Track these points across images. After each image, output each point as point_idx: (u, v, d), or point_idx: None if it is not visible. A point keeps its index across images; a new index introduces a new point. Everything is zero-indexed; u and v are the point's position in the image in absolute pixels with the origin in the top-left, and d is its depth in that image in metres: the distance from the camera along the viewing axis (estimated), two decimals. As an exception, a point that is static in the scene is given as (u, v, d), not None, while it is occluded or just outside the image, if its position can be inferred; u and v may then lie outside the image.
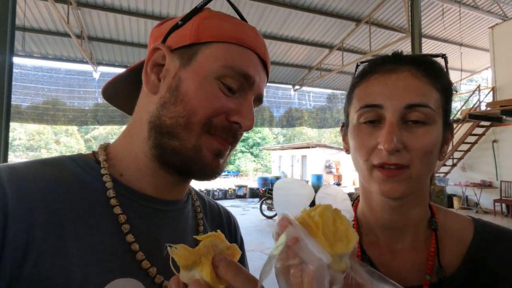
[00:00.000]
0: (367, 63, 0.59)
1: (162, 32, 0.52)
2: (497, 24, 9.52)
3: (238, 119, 0.49)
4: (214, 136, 0.48)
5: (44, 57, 9.17)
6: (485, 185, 9.72)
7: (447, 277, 0.53)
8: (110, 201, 0.46)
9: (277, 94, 12.13)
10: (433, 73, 0.53)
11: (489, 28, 9.73)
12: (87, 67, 9.52)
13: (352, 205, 0.64)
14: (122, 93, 0.59)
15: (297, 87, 12.23)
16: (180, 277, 0.34)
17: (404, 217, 0.56)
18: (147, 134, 0.49)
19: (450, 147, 0.61)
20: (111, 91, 0.59)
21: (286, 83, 12.10)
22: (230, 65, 0.48)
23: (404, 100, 0.50)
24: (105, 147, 0.53)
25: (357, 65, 0.63)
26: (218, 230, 0.37)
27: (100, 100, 9.72)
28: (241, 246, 0.66)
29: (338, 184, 9.34)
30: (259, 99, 0.55)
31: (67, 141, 34.48)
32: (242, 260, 0.64)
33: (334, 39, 9.25)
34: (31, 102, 9.18)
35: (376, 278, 0.30)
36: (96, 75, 9.70)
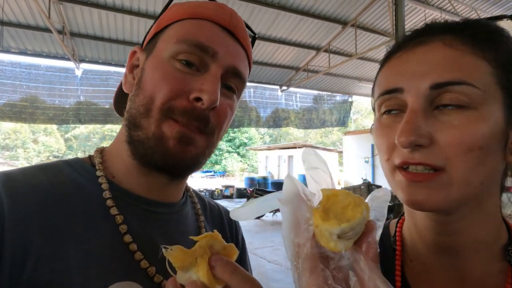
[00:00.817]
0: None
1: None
2: (475, 30, 9.91)
3: (198, 94, 0.45)
4: (177, 121, 0.45)
5: (23, 53, 8.78)
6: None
7: None
8: (106, 202, 0.45)
9: (264, 95, 12.15)
10: (481, 38, 0.38)
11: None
12: (69, 64, 9.20)
13: (397, 222, 0.51)
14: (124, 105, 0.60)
15: (284, 87, 12.29)
16: (177, 278, 0.34)
17: (459, 238, 0.42)
18: (125, 132, 0.49)
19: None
20: (118, 105, 0.60)
21: (274, 84, 12.14)
22: (183, 39, 0.46)
23: (430, 78, 0.37)
24: (101, 151, 0.53)
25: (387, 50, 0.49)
26: (215, 230, 0.37)
27: (83, 98, 9.44)
28: (243, 246, 0.66)
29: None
30: (235, 73, 0.49)
31: (45, 140, 33.25)
32: (244, 259, 0.64)
33: (321, 41, 9.36)
34: (7, 99, 8.77)
35: (380, 281, 0.26)
36: (78, 73, 9.39)
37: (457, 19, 0.45)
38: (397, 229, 0.51)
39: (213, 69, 0.46)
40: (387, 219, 0.37)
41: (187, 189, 0.61)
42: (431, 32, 0.41)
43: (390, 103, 0.41)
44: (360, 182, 7.93)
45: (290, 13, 7.74)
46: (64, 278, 0.38)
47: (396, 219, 0.53)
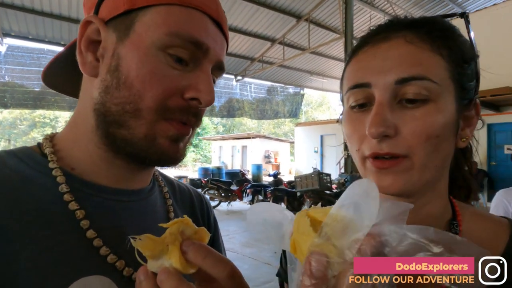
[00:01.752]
0: None
1: (94, 1, 0.45)
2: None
3: (195, 94, 0.43)
4: (170, 121, 0.43)
5: None
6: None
7: None
8: (63, 197, 0.41)
9: (219, 83, 11.97)
10: (437, 36, 0.42)
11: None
12: (-11, 37, 7.88)
13: None
14: (66, 78, 0.51)
15: (239, 77, 12.24)
16: (148, 267, 0.33)
17: (415, 215, 0.45)
18: (95, 123, 0.44)
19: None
20: (54, 77, 0.52)
21: (229, 73, 12.01)
22: (175, 32, 0.42)
23: (395, 73, 0.40)
24: (51, 138, 0.47)
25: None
26: (185, 216, 0.36)
27: (8, 78, 8.19)
28: (215, 226, 0.65)
29: (278, 174, 9.71)
30: (219, 68, 0.49)
31: (-42, 127, 28.15)
32: (217, 239, 0.64)
33: (276, 33, 9.48)
34: None
35: None
36: (2, 49, 8.09)
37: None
38: None
39: (205, 66, 0.45)
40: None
41: (153, 172, 0.58)
42: (393, 28, 0.44)
43: (358, 97, 0.44)
44: (310, 170, 8.37)
45: (246, 2, 7.67)
46: (17, 281, 0.35)
47: None
